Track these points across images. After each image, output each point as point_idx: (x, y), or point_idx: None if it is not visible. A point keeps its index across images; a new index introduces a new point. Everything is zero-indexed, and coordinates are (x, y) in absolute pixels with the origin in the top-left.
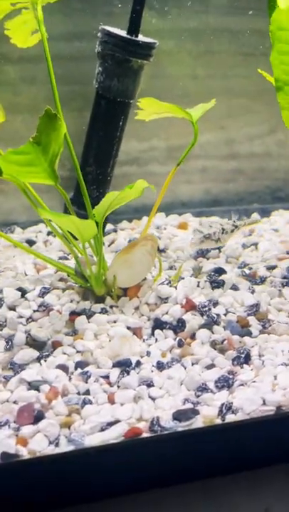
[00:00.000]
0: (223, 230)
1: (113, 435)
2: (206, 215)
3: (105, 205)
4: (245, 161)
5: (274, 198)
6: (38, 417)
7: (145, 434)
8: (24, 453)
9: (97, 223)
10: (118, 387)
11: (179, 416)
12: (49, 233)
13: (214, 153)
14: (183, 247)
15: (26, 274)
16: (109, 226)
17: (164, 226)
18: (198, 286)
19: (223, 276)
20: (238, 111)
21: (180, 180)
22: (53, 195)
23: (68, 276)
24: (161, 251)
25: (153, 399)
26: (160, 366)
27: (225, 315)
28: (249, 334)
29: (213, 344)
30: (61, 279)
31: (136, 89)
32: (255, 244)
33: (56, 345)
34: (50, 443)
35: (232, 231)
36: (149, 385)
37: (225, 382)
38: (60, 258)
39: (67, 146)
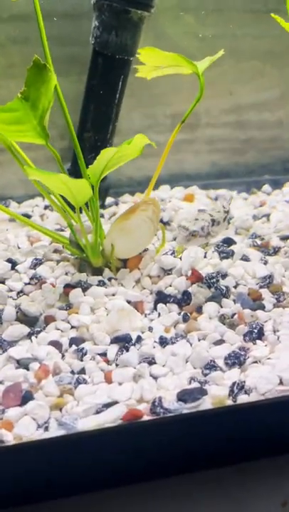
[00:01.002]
0: (214, 221)
1: (110, 418)
2: (213, 188)
3: (101, 164)
4: (255, 130)
5: (286, 169)
6: (26, 398)
7: (146, 417)
8: (9, 438)
9: (92, 186)
10: (116, 365)
11: (184, 396)
12: (46, 207)
13: (222, 121)
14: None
15: (19, 247)
16: (110, 199)
17: (169, 199)
18: (205, 257)
19: (232, 247)
20: (247, 74)
21: (185, 151)
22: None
23: (63, 247)
24: (165, 223)
25: (155, 377)
26: (163, 342)
27: (235, 287)
28: (262, 308)
29: (222, 319)
30: (56, 251)
31: (136, 45)
32: (267, 216)
33: (49, 320)
34: (39, 427)
35: (224, 219)
36: (151, 362)
37: (236, 359)
38: (57, 231)
39: (60, 106)
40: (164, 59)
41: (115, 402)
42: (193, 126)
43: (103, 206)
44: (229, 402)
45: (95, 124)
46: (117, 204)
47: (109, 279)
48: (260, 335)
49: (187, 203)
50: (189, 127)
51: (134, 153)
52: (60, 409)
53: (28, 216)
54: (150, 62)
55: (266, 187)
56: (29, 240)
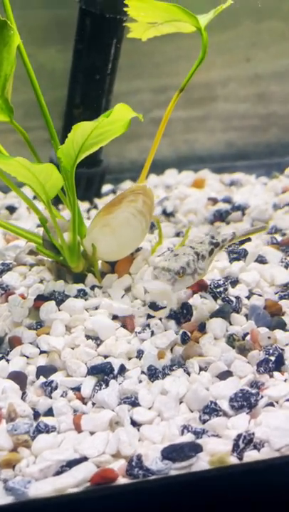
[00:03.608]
0: (198, 254)
1: (73, 481)
2: (228, 172)
3: (75, 143)
4: (277, 104)
5: None
6: None
7: (122, 480)
8: None
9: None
10: (93, 404)
11: (171, 454)
12: (35, 197)
13: (238, 94)
14: (196, 209)
15: None
16: (107, 186)
17: (176, 185)
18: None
19: (246, 245)
20: (267, 38)
21: (197, 129)
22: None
23: (36, 248)
24: (168, 215)
25: (137, 425)
26: (152, 374)
27: (248, 298)
28: (282, 326)
29: (231, 340)
30: (31, 252)
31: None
32: None
33: (15, 342)
34: None
35: (211, 252)
36: (134, 403)
37: (245, 401)
38: (39, 226)
39: (28, 75)
40: (158, 12)
41: (83, 459)
42: (205, 100)
43: (99, 195)
44: (233, 460)
45: (86, 98)
46: (114, 192)
47: (92, 288)
48: (279, 364)
49: (196, 190)
50: (200, 101)
51: (118, 130)
52: (13, 467)
53: (14, 208)
54: (142, 17)
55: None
56: (5, 238)
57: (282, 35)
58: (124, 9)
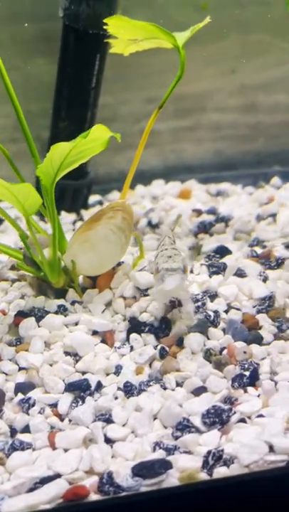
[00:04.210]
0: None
1: (45, 497)
2: (215, 182)
3: (54, 162)
4: (264, 114)
5: None
6: None
7: (93, 496)
8: None
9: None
10: (70, 421)
11: (141, 470)
12: None
13: (226, 104)
14: (181, 221)
15: None
16: (95, 197)
17: (162, 196)
18: (191, 272)
19: (226, 258)
20: (254, 49)
21: (185, 139)
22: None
23: (17, 264)
24: (154, 226)
25: (111, 442)
26: (128, 390)
27: (226, 312)
28: (259, 340)
29: (208, 355)
30: (13, 267)
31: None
32: (274, 215)
33: None
34: None
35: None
36: (109, 420)
37: (217, 417)
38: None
39: (5, 87)
40: (137, 30)
41: (57, 476)
42: (193, 111)
43: (86, 206)
44: (203, 476)
45: (71, 111)
46: (101, 203)
47: (73, 303)
48: (254, 379)
49: (182, 201)
50: (188, 112)
51: (98, 148)
52: None
53: (0, 220)
54: (121, 34)
55: (276, 180)
56: None
57: (268, 48)
58: (104, 27)
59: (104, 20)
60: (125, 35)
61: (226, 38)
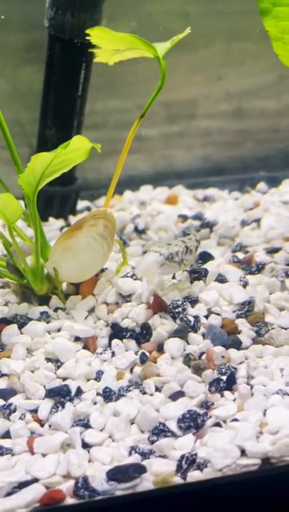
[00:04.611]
0: (187, 248)
1: (22, 502)
2: (202, 187)
3: (36, 172)
4: (251, 120)
5: (285, 164)
6: None
7: (69, 500)
8: None
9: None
10: (50, 426)
11: (116, 475)
12: None
13: (213, 110)
14: (167, 226)
15: None
16: (84, 203)
17: (150, 202)
18: (173, 277)
19: (208, 264)
20: (239, 57)
21: (174, 145)
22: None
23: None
24: (140, 232)
25: (88, 446)
26: (107, 396)
27: (206, 317)
28: (237, 345)
29: (187, 360)
30: None
31: (96, 26)
32: (258, 221)
33: None
34: None
35: (196, 249)
36: (87, 425)
37: (192, 422)
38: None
39: None
40: (119, 41)
41: (34, 480)
42: (180, 117)
43: (74, 212)
44: (177, 480)
45: (57, 119)
46: (89, 209)
47: (56, 310)
48: (231, 383)
49: (169, 206)
50: (177, 118)
51: (80, 157)
52: None
53: None
54: (104, 45)
55: (262, 185)
56: None
57: (253, 55)
58: (87, 38)
59: (87, 31)
60: (108, 45)
61: (211, 45)
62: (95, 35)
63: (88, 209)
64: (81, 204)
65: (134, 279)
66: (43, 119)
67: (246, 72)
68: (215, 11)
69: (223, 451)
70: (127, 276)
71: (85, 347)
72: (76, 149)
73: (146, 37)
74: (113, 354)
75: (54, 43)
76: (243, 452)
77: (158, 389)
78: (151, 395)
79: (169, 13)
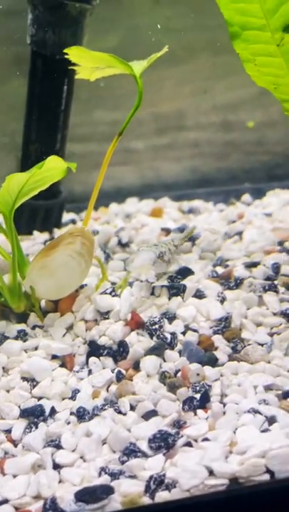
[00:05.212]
0: (170, 250)
1: None
2: (188, 199)
3: (11, 191)
4: (237, 132)
5: (270, 176)
6: None
7: None
8: None
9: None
10: (23, 447)
11: (84, 496)
12: None
13: (201, 122)
14: (149, 240)
15: None
16: (69, 215)
17: (135, 214)
18: (152, 293)
19: (188, 279)
20: (224, 70)
21: (161, 157)
22: None
23: None
24: (124, 245)
25: (59, 467)
26: (80, 415)
27: (183, 334)
28: (213, 362)
29: (163, 377)
30: None
31: (79, 42)
32: (240, 234)
33: None
34: None
35: (175, 251)
36: (58, 446)
37: (163, 442)
38: None
39: None
40: (96, 60)
41: (4, 501)
42: (168, 130)
43: (58, 225)
44: (146, 500)
45: (40, 134)
46: (74, 222)
47: (34, 327)
48: (204, 401)
49: (154, 219)
50: (164, 130)
51: (57, 175)
52: None
53: None
54: (83, 63)
55: (246, 197)
56: None
57: (236, 69)
58: (66, 56)
59: (65, 51)
60: (86, 63)
61: (197, 58)
62: (74, 54)
63: (73, 222)
64: (66, 216)
65: (113, 296)
66: (27, 133)
67: (231, 85)
68: (200, 24)
69: (191, 472)
70: (106, 293)
71: (63, 365)
72: (51, 168)
73: (132, 52)
74: (90, 372)
75: (36, 58)
76: (211, 472)
77: (132, 407)
78: (125, 414)
79: (154, 27)
